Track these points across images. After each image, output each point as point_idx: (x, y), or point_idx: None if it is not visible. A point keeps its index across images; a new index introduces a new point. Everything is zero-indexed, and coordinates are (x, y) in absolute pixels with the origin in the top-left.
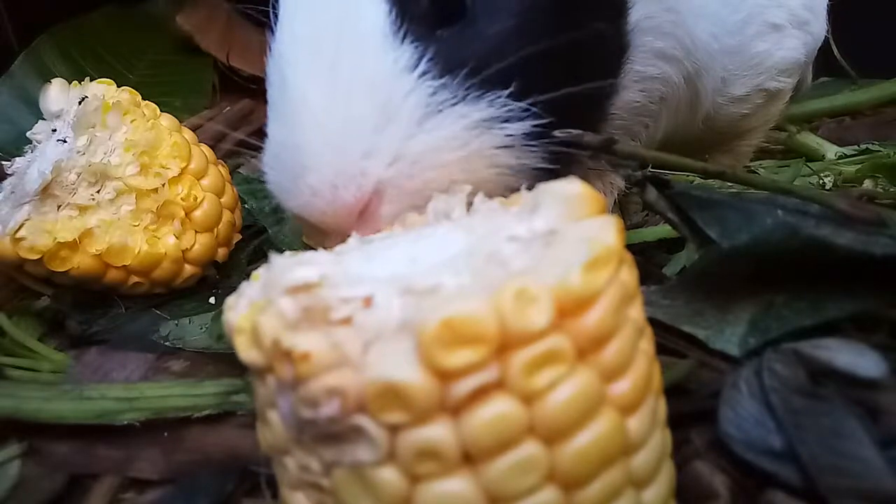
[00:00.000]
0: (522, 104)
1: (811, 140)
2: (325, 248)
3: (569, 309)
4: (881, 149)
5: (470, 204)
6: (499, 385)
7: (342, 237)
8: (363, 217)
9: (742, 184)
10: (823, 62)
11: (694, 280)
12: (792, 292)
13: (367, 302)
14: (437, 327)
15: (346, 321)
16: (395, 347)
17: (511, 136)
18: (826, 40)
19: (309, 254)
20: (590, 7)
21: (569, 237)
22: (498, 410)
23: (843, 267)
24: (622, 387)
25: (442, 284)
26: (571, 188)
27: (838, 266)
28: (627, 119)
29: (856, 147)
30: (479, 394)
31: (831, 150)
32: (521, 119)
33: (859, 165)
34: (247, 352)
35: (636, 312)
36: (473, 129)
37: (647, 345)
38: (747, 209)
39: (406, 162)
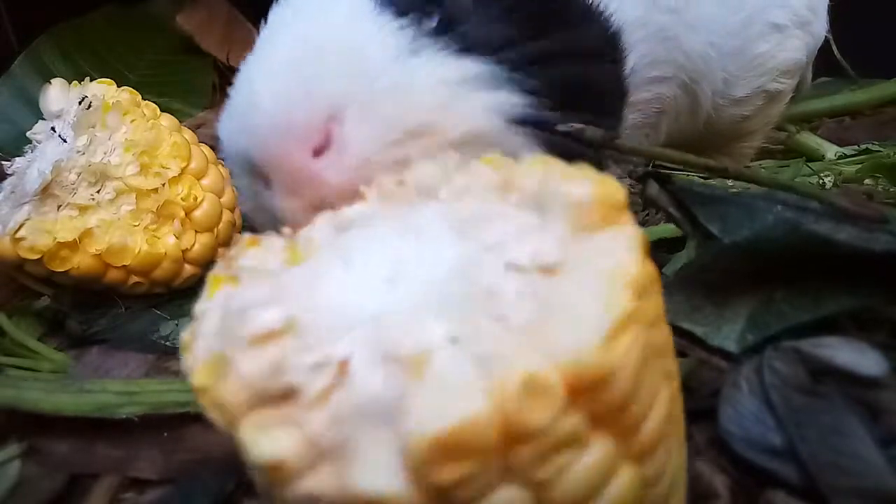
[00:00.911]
0: (515, 75)
1: (811, 140)
2: (284, 221)
3: (584, 388)
4: (881, 149)
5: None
6: (503, 476)
7: (301, 194)
8: (329, 151)
9: (744, 181)
10: (823, 62)
11: (693, 276)
12: (791, 289)
13: (343, 368)
14: (430, 445)
15: (320, 399)
16: (377, 447)
17: (502, 106)
18: (826, 40)
19: (267, 255)
20: (582, 53)
21: (581, 276)
22: (502, 500)
23: (843, 263)
24: (642, 434)
25: (430, 346)
26: (581, 190)
27: (838, 262)
28: (628, 134)
29: (856, 147)
30: (481, 493)
31: (831, 150)
32: (513, 90)
33: (859, 165)
34: (212, 413)
35: (660, 334)
36: (457, 82)
37: (668, 363)
38: (749, 205)
39: (368, 82)
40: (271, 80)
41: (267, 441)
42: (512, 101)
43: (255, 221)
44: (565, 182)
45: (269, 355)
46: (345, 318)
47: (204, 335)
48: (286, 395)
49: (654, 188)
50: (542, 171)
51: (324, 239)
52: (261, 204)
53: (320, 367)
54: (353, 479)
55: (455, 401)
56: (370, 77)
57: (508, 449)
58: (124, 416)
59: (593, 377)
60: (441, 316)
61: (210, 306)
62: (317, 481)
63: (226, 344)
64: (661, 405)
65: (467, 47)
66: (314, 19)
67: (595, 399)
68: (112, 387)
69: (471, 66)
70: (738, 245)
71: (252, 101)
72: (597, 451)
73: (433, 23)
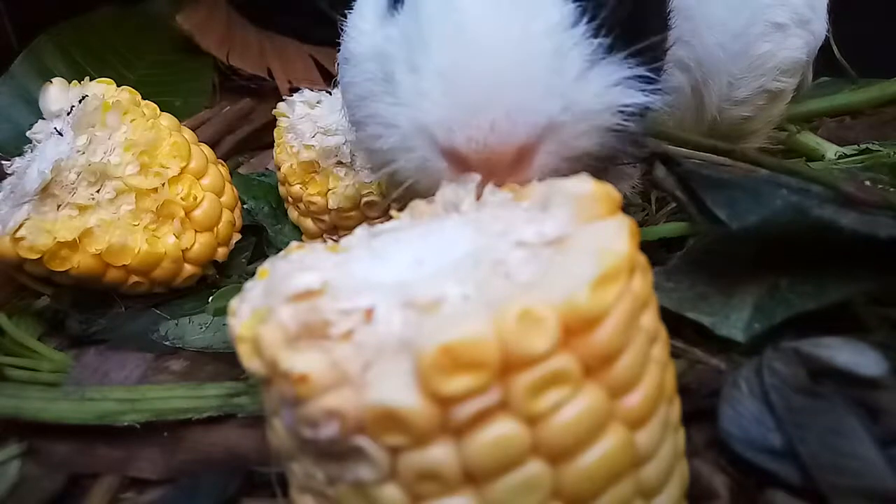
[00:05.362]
0: (648, 74)
1: (811, 140)
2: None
3: (576, 328)
4: (881, 149)
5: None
6: (501, 407)
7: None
8: (516, 163)
9: (751, 164)
10: (823, 62)
11: (698, 261)
12: (796, 276)
13: (368, 315)
14: (436, 353)
15: (347, 336)
16: (394, 370)
17: (640, 102)
18: (826, 40)
19: (312, 252)
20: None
21: (578, 245)
22: (500, 432)
23: (847, 250)
24: (632, 400)
25: (444, 297)
26: (583, 187)
27: (843, 249)
28: None
29: (856, 147)
30: (481, 417)
31: (831, 150)
32: (648, 90)
33: (859, 165)
34: (249, 361)
35: (649, 319)
36: (616, 87)
37: (660, 351)
38: (757, 189)
39: (571, 114)
40: (500, 86)
41: (298, 357)
42: (645, 94)
43: (419, 181)
44: (569, 181)
45: (305, 309)
46: (373, 283)
47: (249, 300)
48: (317, 334)
49: (661, 171)
50: (549, 182)
51: (359, 241)
52: (433, 169)
53: (348, 313)
54: (371, 394)
55: (461, 323)
56: (572, 99)
57: (507, 374)
58: (126, 424)
59: (584, 317)
60: (456, 282)
61: (257, 283)
62: (338, 399)
63: (269, 301)
64: (652, 380)
65: (619, 50)
66: (515, 19)
67: (586, 343)
68: (113, 394)
69: (626, 70)
70: (745, 231)
71: (482, 108)
72: (588, 398)
73: (609, 38)
